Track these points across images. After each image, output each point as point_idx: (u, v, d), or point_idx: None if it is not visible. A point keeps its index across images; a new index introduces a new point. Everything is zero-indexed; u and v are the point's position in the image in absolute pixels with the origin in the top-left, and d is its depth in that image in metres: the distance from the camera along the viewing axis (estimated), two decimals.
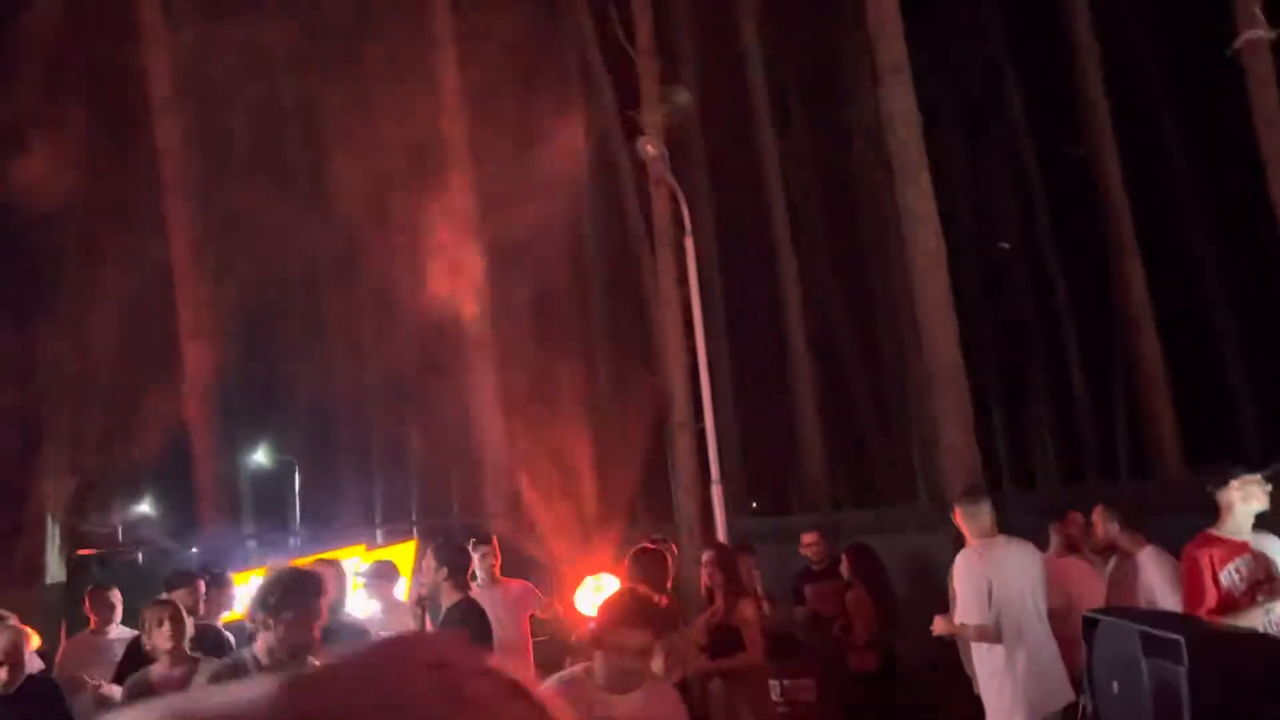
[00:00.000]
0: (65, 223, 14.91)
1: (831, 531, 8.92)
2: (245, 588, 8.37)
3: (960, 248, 16.30)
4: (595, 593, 6.56)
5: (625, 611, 3.13)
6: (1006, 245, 19.03)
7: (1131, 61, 18.30)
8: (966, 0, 20.28)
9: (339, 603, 5.61)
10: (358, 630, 5.22)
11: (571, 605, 7.05)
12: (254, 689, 0.54)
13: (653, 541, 6.38)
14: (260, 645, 3.24)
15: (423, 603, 5.61)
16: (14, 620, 4.58)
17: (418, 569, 5.68)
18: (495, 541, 6.71)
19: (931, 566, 8.12)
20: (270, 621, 3.20)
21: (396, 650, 0.59)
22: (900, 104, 10.15)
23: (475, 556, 6.56)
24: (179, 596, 5.40)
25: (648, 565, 5.53)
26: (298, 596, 3.22)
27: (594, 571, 7.25)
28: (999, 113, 21.03)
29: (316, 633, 3.27)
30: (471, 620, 5.06)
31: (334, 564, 5.97)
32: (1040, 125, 20.10)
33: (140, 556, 16.73)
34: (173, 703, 0.56)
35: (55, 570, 15.26)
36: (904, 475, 19.05)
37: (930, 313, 9.76)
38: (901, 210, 10.12)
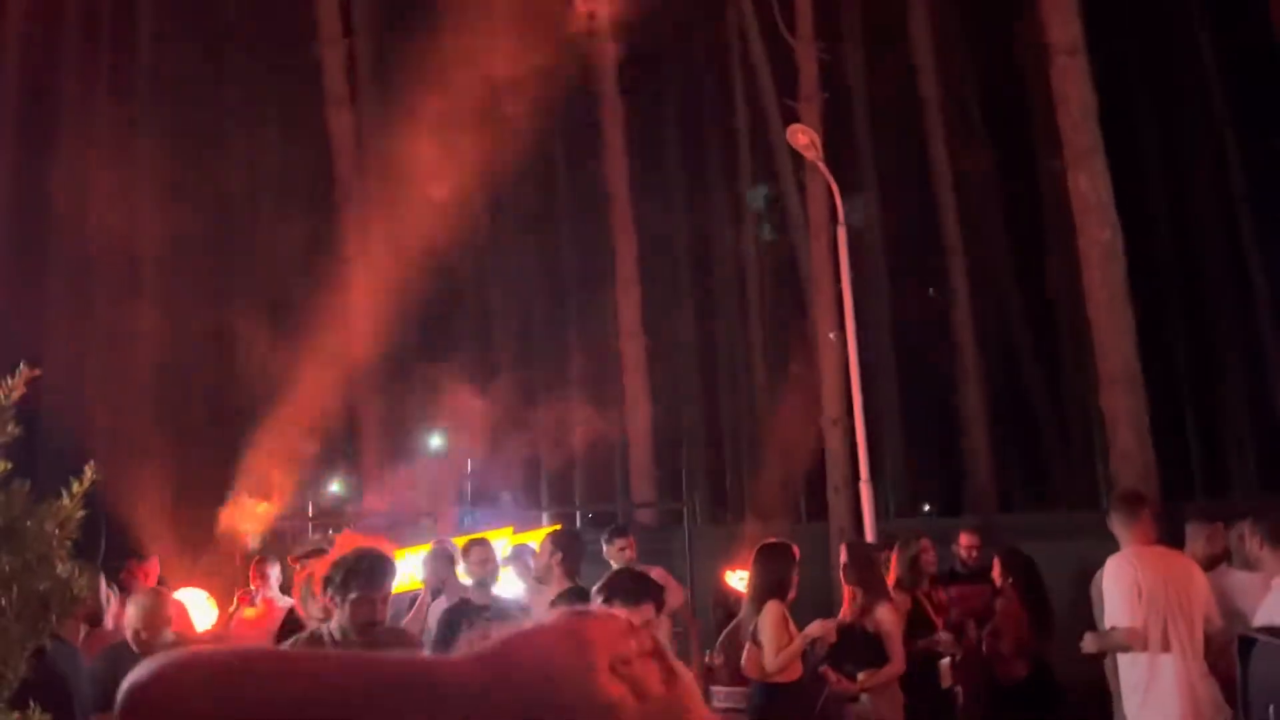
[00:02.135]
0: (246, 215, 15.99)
1: (993, 535, 8.52)
2: (404, 562, 8.81)
3: (1145, 237, 15.31)
4: (739, 582, 6.86)
5: (632, 586, 3.30)
6: None
7: None
8: None
9: (489, 579, 5.79)
10: (505, 607, 5.39)
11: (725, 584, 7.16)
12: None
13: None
14: (334, 622, 3.40)
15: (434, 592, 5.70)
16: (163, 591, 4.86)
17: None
18: (629, 534, 6.76)
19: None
20: (339, 599, 3.36)
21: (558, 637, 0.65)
22: (1073, 86, 9.60)
23: (611, 549, 6.67)
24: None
25: (769, 560, 5.42)
26: (362, 577, 3.36)
27: (735, 566, 7.31)
28: (1193, 96, 19.48)
29: (382, 609, 3.43)
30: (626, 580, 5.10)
31: (483, 543, 6.14)
32: (1241, 111, 18.49)
33: (330, 533, 17.85)
34: (359, 654, 0.68)
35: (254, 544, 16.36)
36: (1084, 479, 18.04)
37: (1103, 308, 9.19)
38: (1072, 198, 9.56)
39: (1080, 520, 11.77)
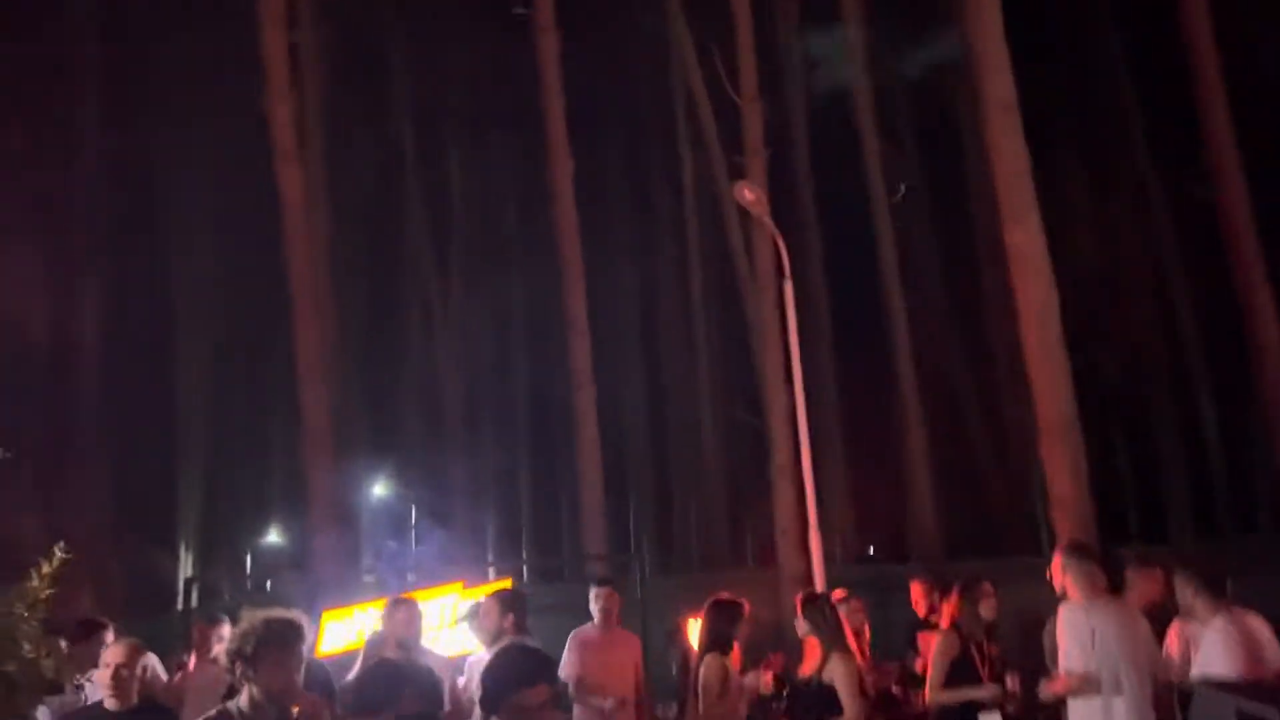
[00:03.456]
0: (189, 277, 15.88)
1: (942, 582, 8.63)
2: (358, 617, 8.67)
3: (1080, 286, 15.79)
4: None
5: (518, 671, 3.10)
6: None
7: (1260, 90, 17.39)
8: (1078, 30, 19.69)
9: (413, 641, 5.72)
10: (425, 669, 5.33)
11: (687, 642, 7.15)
12: None
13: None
14: (244, 696, 3.24)
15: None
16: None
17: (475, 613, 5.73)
18: (611, 586, 6.80)
19: (1045, 622, 7.78)
20: (250, 672, 3.22)
21: None
22: (1008, 141, 9.91)
23: (591, 597, 6.69)
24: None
25: (717, 616, 5.48)
26: (273, 645, 3.25)
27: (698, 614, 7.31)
28: (1119, 147, 20.25)
29: (296, 678, 3.28)
30: (517, 660, 5.05)
31: (408, 603, 6.05)
32: (1163, 158, 19.26)
33: (269, 585, 17.50)
34: None
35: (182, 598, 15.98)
36: (1026, 526, 18.36)
37: (1040, 362, 9.42)
38: (1009, 253, 9.85)
39: (1022, 565, 12.00)
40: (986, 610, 6.23)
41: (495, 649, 5.20)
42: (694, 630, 7.80)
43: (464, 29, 19.20)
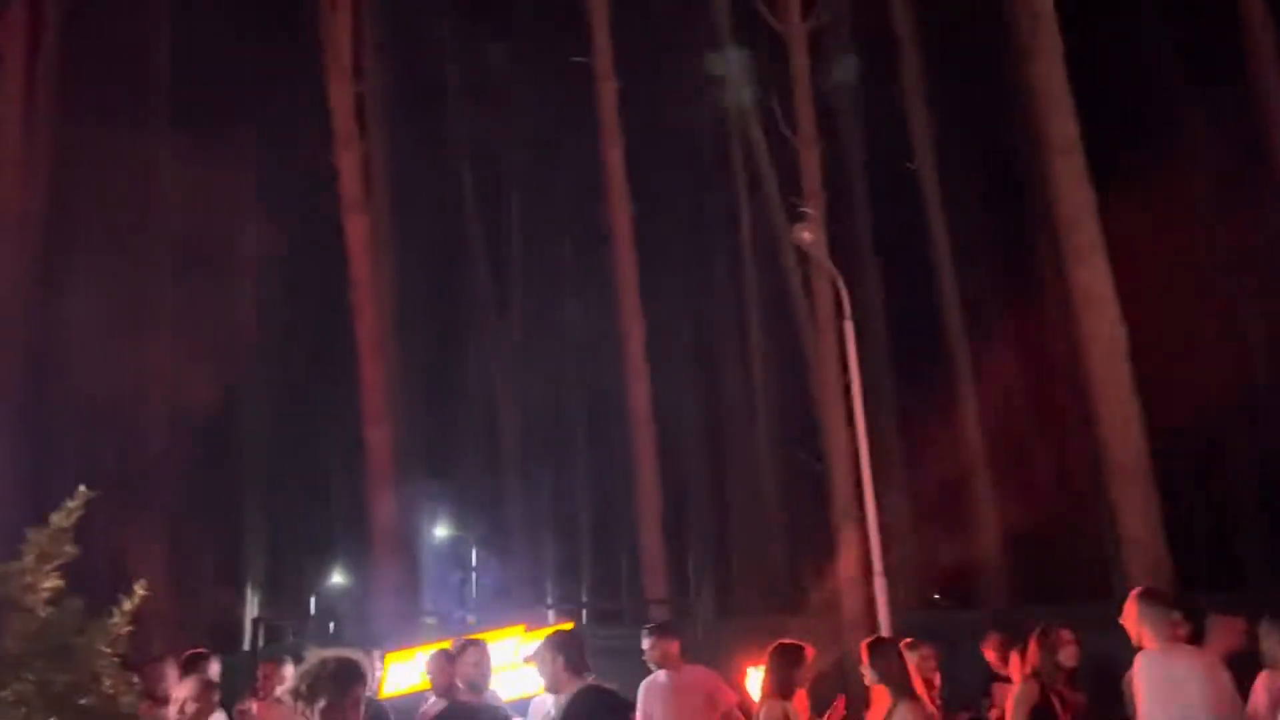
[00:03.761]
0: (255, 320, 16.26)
1: (1013, 630, 8.40)
2: (421, 659, 8.72)
3: (1149, 323, 15.44)
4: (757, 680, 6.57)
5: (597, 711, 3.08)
6: None
7: None
8: (1140, 61, 19.45)
9: (483, 683, 5.73)
10: (495, 712, 5.33)
11: (745, 691, 7.02)
12: None
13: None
14: None
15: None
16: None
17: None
18: (670, 628, 6.74)
19: (1120, 670, 7.55)
20: (307, 711, 3.26)
21: None
22: (1070, 183, 9.83)
23: (646, 644, 6.63)
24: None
25: (780, 660, 5.42)
26: (330, 683, 3.28)
27: (758, 661, 7.17)
28: (1186, 179, 19.87)
29: (353, 716, 3.33)
30: (595, 706, 5.02)
31: (478, 644, 6.08)
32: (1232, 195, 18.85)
33: (331, 627, 17.66)
34: None
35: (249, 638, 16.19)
36: (1095, 571, 17.87)
37: (1109, 402, 9.25)
38: (1074, 292, 9.71)
39: (1093, 612, 11.65)
40: (1066, 658, 6.08)
41: (572, 692, 5.19)
42: (754, 676, 7.71)
43: (523, 76, 19.62)
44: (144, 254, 16.72)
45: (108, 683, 2.31)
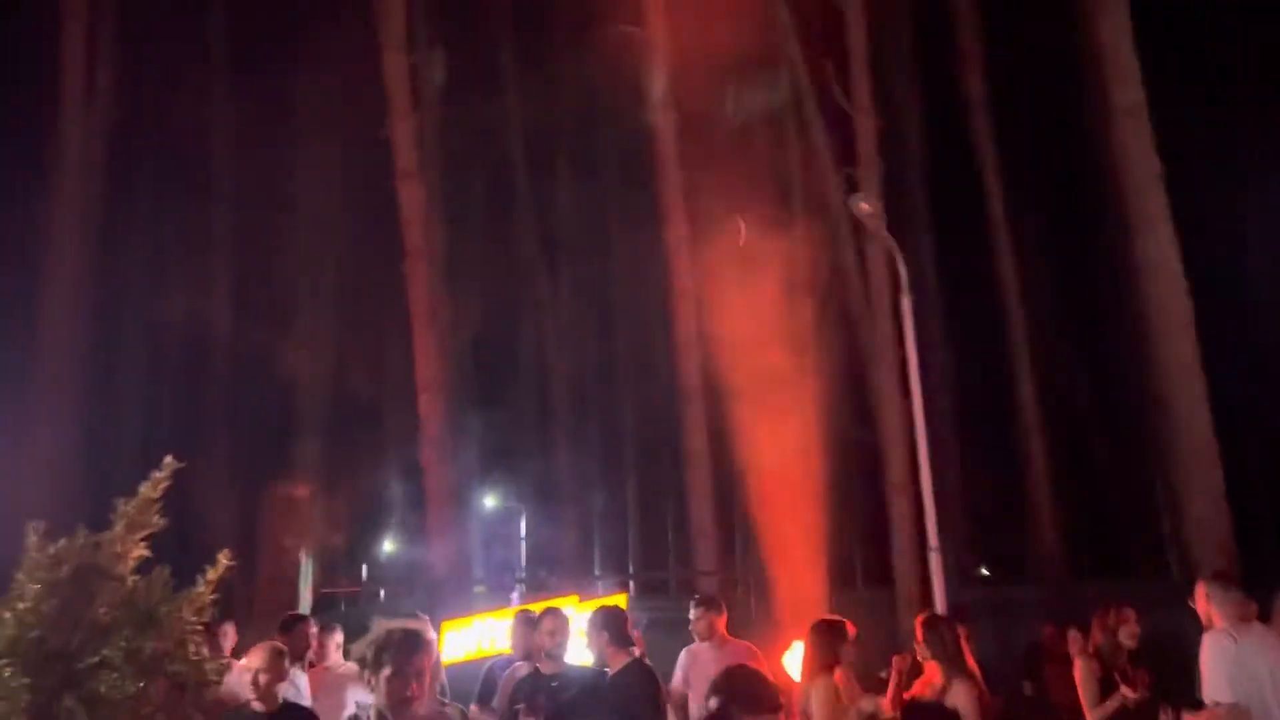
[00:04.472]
0: (307, 283, 16.45)
1: (1068, 606, 8.32)
2: (469, 630, 8.83)
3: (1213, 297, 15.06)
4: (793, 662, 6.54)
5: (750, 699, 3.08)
6: None
7: None
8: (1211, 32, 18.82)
9: (558, 650, 5.78)
10: (572, 678, 5.39)
11: (781, 668, 7.00)
12: None
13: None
14: (374, 699, 3.41)
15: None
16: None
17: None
18: (717, 602, 6.74)
19: (1181, 648, 7.44)
20: (372, 679, 3.36)
21: None
22: (1136, 148, 9.58)
23: (692, 616, 6.65)
24: (288, 640, 5.66)
25: (822, 637, 5.40)
26: (395, 654, 3.37)
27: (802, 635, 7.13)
28: (1249, 150, 19.26)
29: (415, 687, 3.40)
30: (640, 681, 5.17)
31: (555, 613, 6.14)
32: None
33: (382, 595, 17.92)
34: None
35: (307, 606, 16.51)
36: (1152, 546, 17.59)
37: (1174, 377, 9.06)
38: (1139, 264, 9.48)
39: (1151, 589, 11.49)
40: (1127, 636, 6.04)
41: (619, 666, 5.28)
42: (796, 652, 7.67)
43: (573, 44, 19.48)
44: (198, 224, 17.00)
45: (193, 649, 2.36)
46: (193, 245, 16.53)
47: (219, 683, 2.57)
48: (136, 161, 16.47)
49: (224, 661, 4.78)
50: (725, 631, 6.65)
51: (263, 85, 16.35)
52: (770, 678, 3.32)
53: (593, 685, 5.39)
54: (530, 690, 5.28)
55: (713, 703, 3.21)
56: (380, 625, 3.58)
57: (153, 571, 2.35)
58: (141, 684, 2.21)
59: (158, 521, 2.41)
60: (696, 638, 6.63)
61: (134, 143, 15.73)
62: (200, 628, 2.38)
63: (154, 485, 2.40)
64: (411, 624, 3.76)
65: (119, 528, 2.31)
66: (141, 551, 2.36)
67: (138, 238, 16.89)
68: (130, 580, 2.28)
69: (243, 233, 16.38)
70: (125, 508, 2.31)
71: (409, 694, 3.39)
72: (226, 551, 2.57)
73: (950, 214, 16.48)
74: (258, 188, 15.85)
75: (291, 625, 6.24)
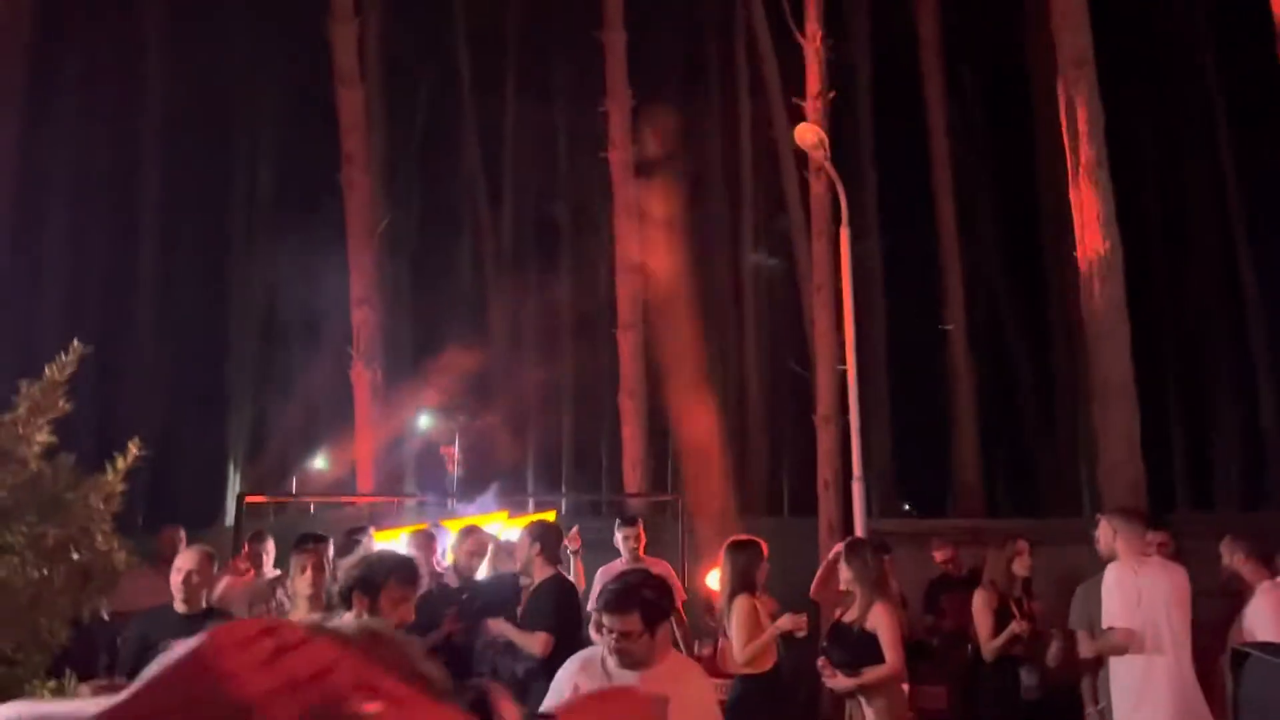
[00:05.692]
0: (249, 196, 16.00)
1: (980, 539, 8.57)
2: (398, 543, 8.83)
3: (1144, 250, 15.43)
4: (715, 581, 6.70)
5: (613, 596, 3.27)
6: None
7: None
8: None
9: (472, 567, 5.86)
10: (484, 588, 5.47)
11: (705, 586, 7.17)
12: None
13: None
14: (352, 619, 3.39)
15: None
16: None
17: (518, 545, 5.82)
18: (640, 524, 6.84)
19: (1081, 580, 7.73)
20: (370, 603, 3.41)
21: (192, 668, 0.64)
22: (1082, 97, 9.64)
23: (619, 536, 6.76)
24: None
25: (738, 556, 5.51)
26: (398, 580, 3.47)
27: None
28: (1193, 111, 19.59)
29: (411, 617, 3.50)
30: (559, 595, 5.26)
31: (475, 530, 6.21)
32: (1240, 122, 18.62)
33: (311, 508, 17.84)
34: (20, 707, 0.68)
35: (232, 515, 16.31)
36: (1069, 487, 18.20)
37: (1099, 321, 9.25)
38: (1074, 209, 9.62)
39: (1065, 527, 11.88)
40: (1020, 567, 6.27)
41: (543, 579, 5.34)
42: (711, 580, 7.84)
43: None
44: (131, 123, 16.33)
45: (100, 539, 2.30)
46: (124, 136, 15.90)
47: (125, 574, 2.53)
48: (69, 46, 15.73)
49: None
50: (643, 551, 6.78)
51: None
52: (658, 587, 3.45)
53: (504, 589, 5.47)
54: (437, 605, 5.29)
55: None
56: (377, 552, 3.62)
57: (56, 458, 2.28)
58: (44, 570, 2.15)
59: (64, 406, 2.34)
60: (625, 555, 6.75)
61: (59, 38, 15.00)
62: (109, 517, 2.33)
63: (60, 368, 2.32)
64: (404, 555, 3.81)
65: (22, 409, 2.24)
66: (46, 437, 2.28)
67: (67, 119, 16.19)
68: (34, 464, 2.21)
69: (178, 128, 15.80)
70: (29, 390, 2.23)
71: (407, 621, 3.47)
72: (137, 440, 2.51)
73: (895, 150, 16.54)
74: (197, 85, 15.27)
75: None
